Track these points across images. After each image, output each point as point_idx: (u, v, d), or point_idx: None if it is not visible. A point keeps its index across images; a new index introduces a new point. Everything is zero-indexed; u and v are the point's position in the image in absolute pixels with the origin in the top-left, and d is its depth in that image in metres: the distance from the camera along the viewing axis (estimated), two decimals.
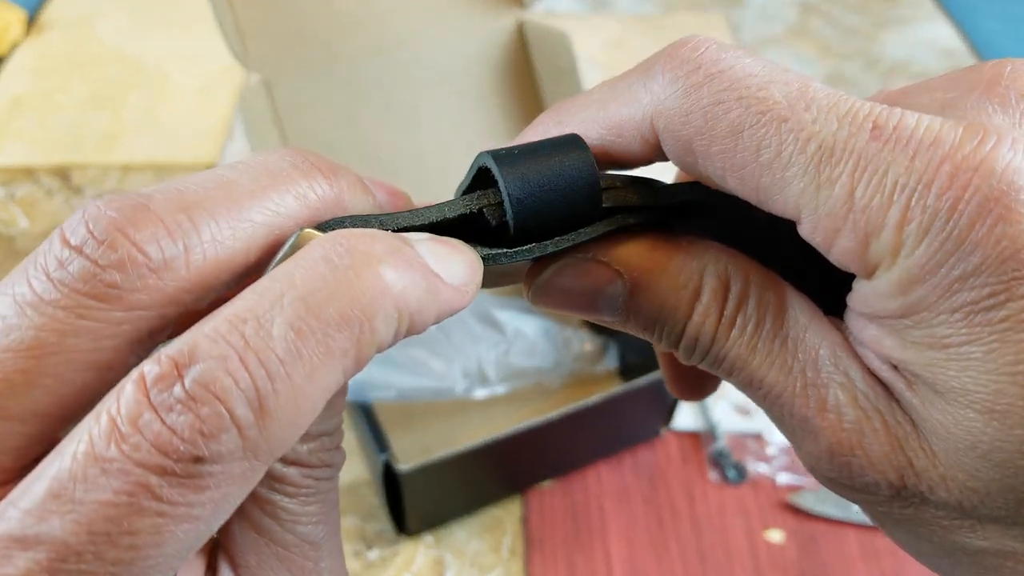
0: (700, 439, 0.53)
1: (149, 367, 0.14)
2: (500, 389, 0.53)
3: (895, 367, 0.18)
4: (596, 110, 0.20)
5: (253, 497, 0.17)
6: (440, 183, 0.52)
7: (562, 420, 0.46)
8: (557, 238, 0.19)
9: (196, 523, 0.14)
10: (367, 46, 0.49)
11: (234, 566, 0.17)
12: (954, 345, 0.16)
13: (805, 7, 0.94)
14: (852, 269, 0.17)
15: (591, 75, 0.82)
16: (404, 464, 0.43)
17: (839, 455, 0.18)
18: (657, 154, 0.20)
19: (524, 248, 0.18)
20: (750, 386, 0.19)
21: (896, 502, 0.18)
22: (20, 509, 0.13)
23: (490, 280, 0.19)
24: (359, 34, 0.49)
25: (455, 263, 0.17)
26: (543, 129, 0.21)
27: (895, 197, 0.16)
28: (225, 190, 0.16)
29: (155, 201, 0.15)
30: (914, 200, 0.16)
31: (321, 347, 0.14)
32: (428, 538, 0.49)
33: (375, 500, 0.50)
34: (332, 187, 0.17)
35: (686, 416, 0.54)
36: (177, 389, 0.13)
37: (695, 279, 0.19)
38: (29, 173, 0.71)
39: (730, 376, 0.20)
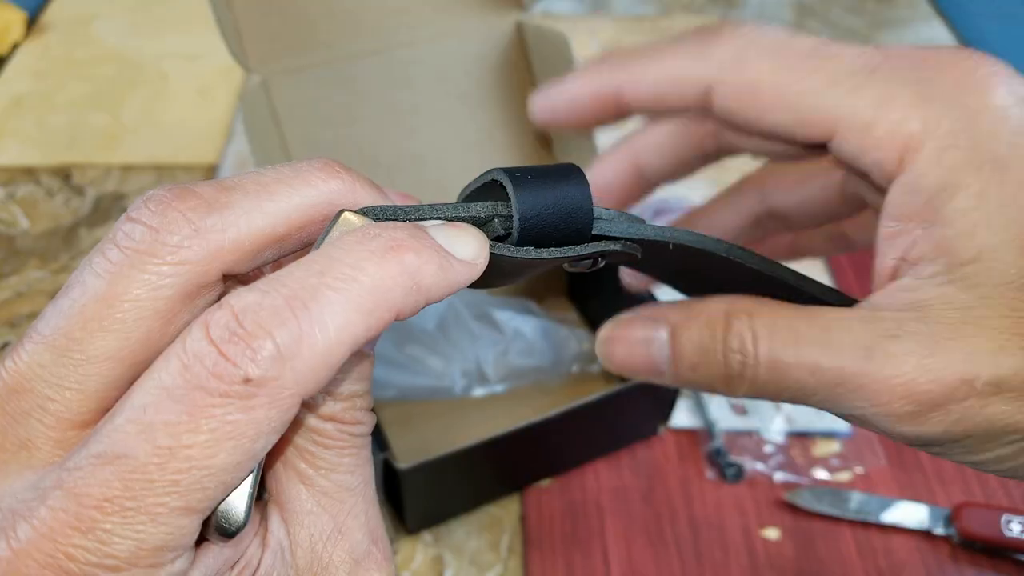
0: (697, 437, 0.54)
1: (211, 311, 0.17)
2: (499, 388, 0.54)
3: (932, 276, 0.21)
4: (655, 63, 0.26)
5: (298, 449, 0.20)
6: (439, 182, 0.52)
7: (560, 419, 0.46)
8: (552, 249, 0.22)
9: (241, 440, 0.17)
10: (366, 47, 0.49)
11: (282, 511, 0.21)
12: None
13: (801, 8, 0.94)
14: (885, 167, 0.22)
15: None
16: (403, 462, 0.43)
17: (911, 396, 0.21)
18: (698, 108, 0.25)
19: (523, 249, 0.22)
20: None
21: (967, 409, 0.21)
22: (103, 434, 0.17)
23: (490, 279, 0.22)
24: (358, 35, 0.49)
25: (464, 243, 0.20)
26: (598, 79, 0.26)
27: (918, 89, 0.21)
28: (255, 179, 0.20)
29: (199, 186, 0.19)
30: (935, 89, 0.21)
31: (352, 305, 0.17)
32: (427, 536, 0.49)
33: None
34: (344, 181, 0.21)
35: (683, 415, 0.54)
36: (233, 324, 0.16)
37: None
38: (30, 173, 0.71)
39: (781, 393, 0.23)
